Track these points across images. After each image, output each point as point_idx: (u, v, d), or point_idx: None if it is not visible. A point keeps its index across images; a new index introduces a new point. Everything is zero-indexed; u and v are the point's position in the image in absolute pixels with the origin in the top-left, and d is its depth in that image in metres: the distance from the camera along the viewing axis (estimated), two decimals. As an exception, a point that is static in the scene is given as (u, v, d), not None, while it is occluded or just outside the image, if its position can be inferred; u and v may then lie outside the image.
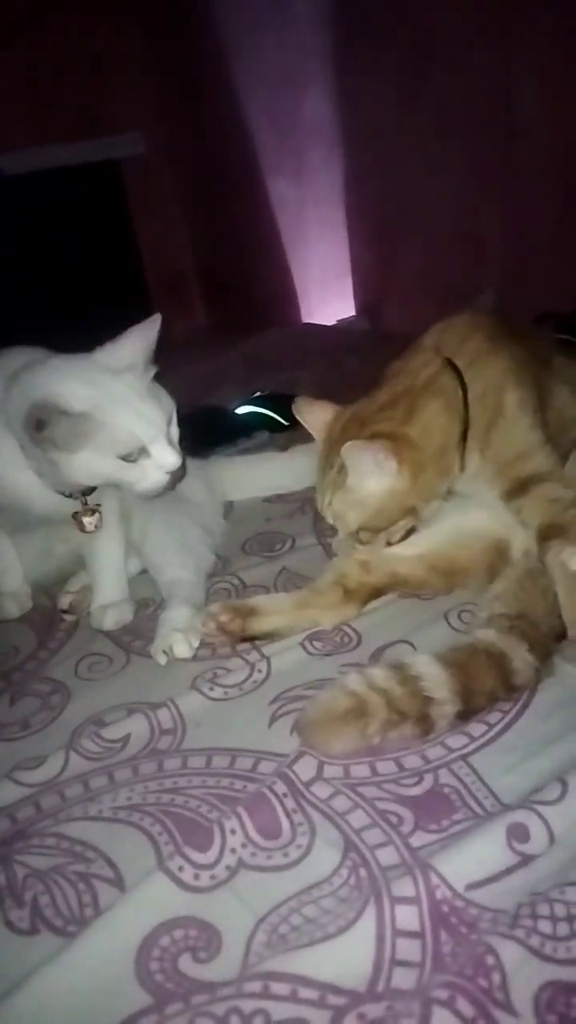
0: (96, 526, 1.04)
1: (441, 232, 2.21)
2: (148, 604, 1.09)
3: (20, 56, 2.64)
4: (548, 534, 0.86)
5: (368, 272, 2.56)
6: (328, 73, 2.41)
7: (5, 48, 2.61)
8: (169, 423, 0.97)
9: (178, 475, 0.96)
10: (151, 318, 0.98)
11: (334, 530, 1.17)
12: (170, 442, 0.96)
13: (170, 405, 0.98)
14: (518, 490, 0.89)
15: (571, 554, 0.81)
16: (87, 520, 1.04)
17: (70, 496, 1.01)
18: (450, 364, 0.95)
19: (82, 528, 1.04)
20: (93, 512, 1.04)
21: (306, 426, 1.01)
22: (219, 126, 2.77)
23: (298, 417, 1.01)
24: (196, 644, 0.95)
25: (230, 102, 2.68)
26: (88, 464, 0.92)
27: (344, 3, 2.28)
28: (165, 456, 0.94)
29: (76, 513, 1.03)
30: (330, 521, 0.97)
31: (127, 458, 0.93)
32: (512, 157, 2.01)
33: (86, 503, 1.03)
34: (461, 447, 0.92)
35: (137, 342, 0.96)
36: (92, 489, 1.02)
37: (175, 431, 0.98)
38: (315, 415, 1.00)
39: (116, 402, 0.91)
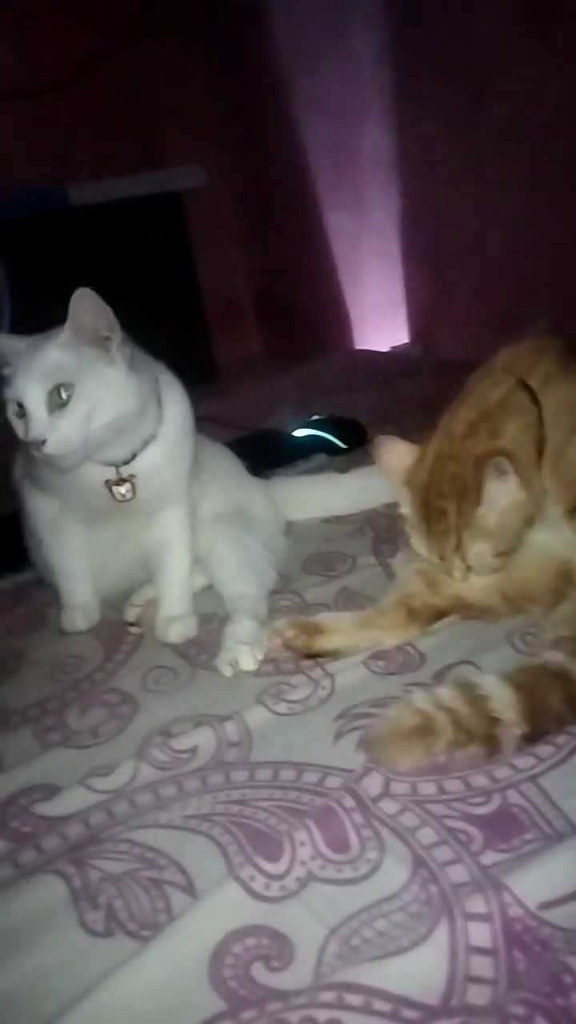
0: (127, 496, 1.03)
1: (495, 261, 2.23)
2: (211, 619, 1.11)
3: (88, 90, 2.76)
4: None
5: (422, 300, 2.58)
6: (386, 105, 2.46)
7: (74, 83, 2.72)
8: (60, 399, 0.92)
9: (48, 452, 0.93)
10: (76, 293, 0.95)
11: (393, 551, 1.19)
12: (40, 414, 0.92)
13: (61, 378, 0.93)
14: None
15: None
16: (118, 489, 1.04)
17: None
18: (523, 385, 0.95)
19: (113, 497, 1.04)
20: (125, 481, 1.03)
21: (381, 466, 1.00)
22: (278, 158, 2.84)
23: (375, 457, 1.00)
24: (260, 657, 0.97)
25: (289, 134, 2.75)
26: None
27: (402, 36, 2.33)
28: (29, 421, 0.93)
29: (108, 481, 1.03)
30: (459, 564, 0.93)
31: (15, 408, 0.94)
32: (569, 186, 2.02)
33: (119, 472, 1.03)
34: (537, 464, 0.93)
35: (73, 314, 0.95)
36: (130, 460, 1.03)
37: (66, 416, 0.93)
38: (394, 455, 0.99)
39: (21, 358, 0.94)
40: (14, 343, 0.99)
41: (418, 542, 0.98)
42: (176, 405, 1.08)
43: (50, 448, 0.93)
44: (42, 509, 1.14)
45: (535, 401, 0.92)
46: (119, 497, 1.04)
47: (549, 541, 0.96)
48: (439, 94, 2.24)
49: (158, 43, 2.84)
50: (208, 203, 2.99)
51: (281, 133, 2.76)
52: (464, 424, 0.94)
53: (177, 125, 2.93)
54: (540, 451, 0.91)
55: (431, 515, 0.94)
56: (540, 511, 0.93)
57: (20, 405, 0.94)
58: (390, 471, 0.98)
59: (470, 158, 2.22)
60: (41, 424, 0.93)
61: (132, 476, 1.04)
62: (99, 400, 0.95)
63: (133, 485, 1.04)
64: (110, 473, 1.03)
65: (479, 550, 0.92)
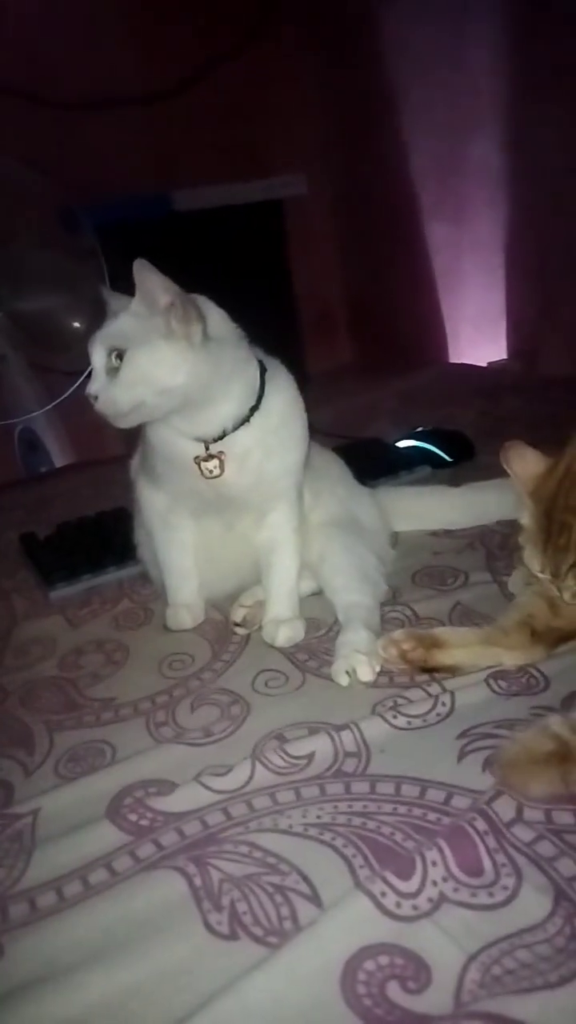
0: (214, 472, 1.04)
1: (608, 279, 2.17)
2: (319, 626, 1.10)
3: (197, 98, 2.80)
4: None
5: (524, 316, 2.53)
6: (498, 117, 2.43)
7: (185, 91, 2.77)
8: (115, 363, 0.97)
9: (102, 408, 0.98)
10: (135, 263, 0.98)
11: (509, 569, 1.15)
12: (99, 369, 0.98)
13: (116, 343, 0.97)
14: None
15: None
16: (206, 465, 1.04)
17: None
18: None
19: (202, 473, 1.04)
20: (213, 458, 1.04)
21: (511, 473, 0.96)
22: (380, 168, 2.83)
23: (504, 463, 0.96)
24: (378, 669, 0.95)
25: (393, 145, 2.74)
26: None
27: (521, 52, 2.30)
28: (92, 377, 0.99)
29: (197, 457, 1.04)
30: (572, 584, 0.90)
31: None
32: None
33: (208, 448, 1.04)
34: None
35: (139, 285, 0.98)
36: (222, 436, 1.04)
37: (118, 380, 0.97)
38: (524, 463, 0.95)
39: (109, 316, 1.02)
40: (119, 302, 1.03)
41: (532, 555, 0.94)
42: (279, 396, 1.08)
43: (100, 405, 0.98)
44: (154, 502, 1.15)
45: None
46: (206, 473, 1.04)
47: None
48: (556, 108, 2.19)
49: (268, 53, 2.87)
50: (308, 211, 3.00)
51: (386, 143, 2.75)
52: None
53: (282, 133, 2.95)
54: None
55: (553, 528, 0.91)
56: None
57: None
58: (517, 478, 0.95)
59: (585, 172, 2.17)
60: (98, 382, 0.98)
61: (221, 453, 1.04)
62: (147, 370, 0.97)
63: (221, 462, 1.04)
64: (199, 449, 1.04)
65: None
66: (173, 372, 0.97)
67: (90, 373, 0.99)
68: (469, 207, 2.60)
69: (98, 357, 0.98)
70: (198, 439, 1.04)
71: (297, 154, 3.00)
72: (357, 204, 2.99)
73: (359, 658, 0.95)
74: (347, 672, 0.95)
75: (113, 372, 0.97)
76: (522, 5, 2.25)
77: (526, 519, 0.96)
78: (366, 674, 0.94)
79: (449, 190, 2.64)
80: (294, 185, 2.95)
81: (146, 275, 0.96)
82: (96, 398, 0.98)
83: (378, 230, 2.93)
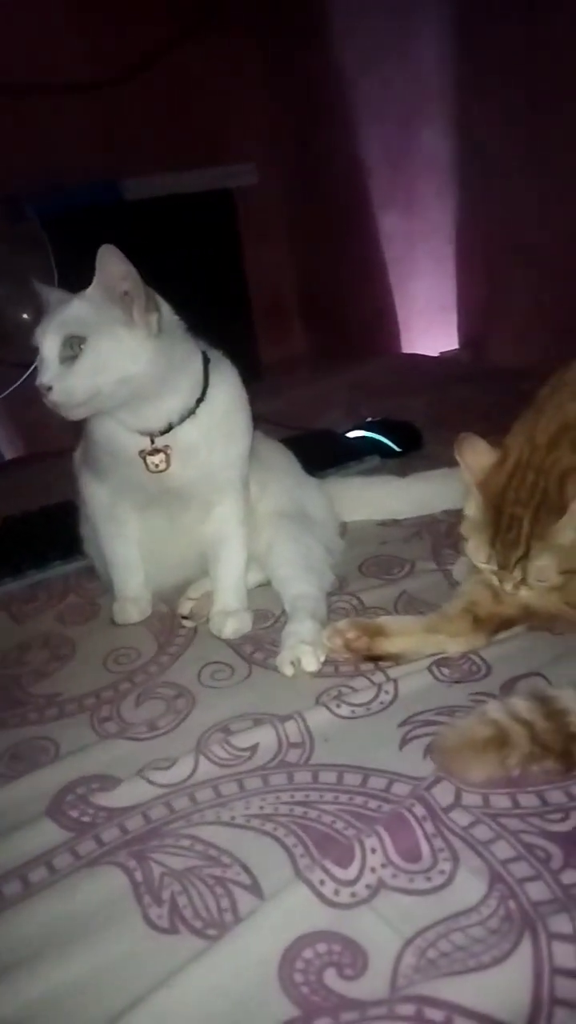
0: (160, 467, 1.03)
1: (556, 270, 2.20)
2: (267, 617, 1.10)
3: (146, 85, 2.76)
4: None
5: (474, 306, 2.56)
6: (447, 108, 2.44)
7: (136, 78, 2.73)
8: (70, 351, 0.94)
9: (55, 400, 0.95)
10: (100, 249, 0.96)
11: (454, 558, 1.16)
12: (50, 360, 0.94)
13: (73, 330, 0.94)
14: None
15: None
16: (151, 459, 1.03)
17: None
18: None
19: (147, 467, 1.03)
20: (159, 452, 1.03)
21: (462, 464, 0.96)
22: (331, 158, 2.83)
23: (457, 454, 0.96)
24: (323, 659, 0.95)
25: (344, 134, 2.74)
26: None
27: (469, 43, 2.31)
28: (42, 367, 0.95)
29: (142, 451, 1.03)
30: (517, 576, 0.90)
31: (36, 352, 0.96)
32: None
33: (153, 442, 1.03)
34: None
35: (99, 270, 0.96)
36: (166, 431, 1.03)
37: (75, 369, 0.94)
38: (477, 456, 0.95)
39: (51, 305, 0.99)
40: (58, 295, 1.00)
41: (478, 547, 0.94)
42: (223, 388, 1.07)
43: (54, 396, 0.95)
44: (98, 496, 1.13)
45: None
46: (152, 467, 1.03)
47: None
48: (503, 100, 2.22)
49: (218, 40, 2.84)
50: (260, 201, 2.99)
51: (337, 133, 2.75)
52: (546, 435, 0.91)
53: (233, 122, 2.93)
54: None
55: (502, 521, 0.91)
56: None
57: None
58: (468, 469, 0.96)
59: (530, 162, 2.19)
60: (51, 371, 0.94)
61: (167, 447, 1.03)
62: (108, 358, 0.95)
63: (167, 456, 1.03)
64: (144, 443, 1.03)
65: (544, 564, 0.89)
66: (134, 360, 0.96)
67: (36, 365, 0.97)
68: (419, 197, 2.61)
69: (50, 346, 0.94)
70: (144, 432, 1.03)
71: (248, 143, 2.98)
72: (309, 193, 2.99)
73: (304, 648, 0.95)
74: (292, 663, 0.95)
75: (68, 361, 0.94)
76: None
77: (472, 510, 0.96)
78: (311, 664, 0.94)
79: (400, 180, 2.65)
80: (245, 174, 2.93)
81: (111, 261, 0.94)
82: (50, 388, 0.94)
83: (330, 220, 2.93)
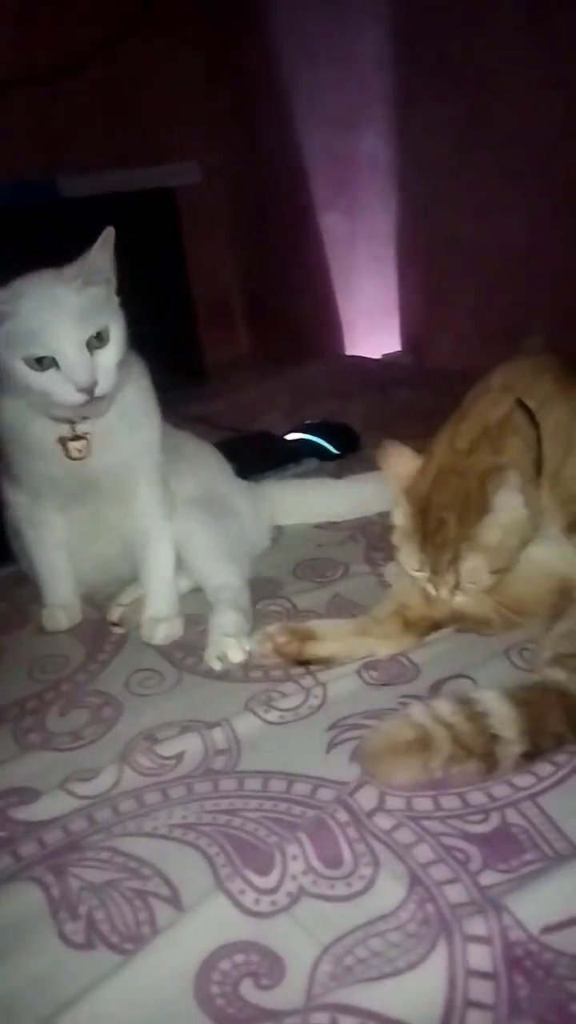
0: (83, 453, 1.00)
1: (493, 274, 2.23)
2: (198, 622, 1.09)
3: (85, 82, 2.72)
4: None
5: (416, 309, 2.58)
6: (387, 111, 2.46)
7: (73, 75, 2.69)
8: (100, 341, 0.93)
9: (98, 398, 0.94)
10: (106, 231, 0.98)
11: (387, 560, 1.17)
12: (82, 358, 0.91)
13: (101, 320, 0.93)
14: None
15: None
16: (73, 445, 1.00)
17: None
18: (521, 404, 0.94)
19: (67, 454, 1.00)
20: (79, 438, 1.00)
21: (386, 471, 0.96)
22: (275, 158, 2.82)
23: (380, 461, 0.96)
24: (248, 648, 0.95)
25: (287, 135, 2.74)
26: (5, 365, 0.92)
27: (408, 47, 2.33)
28: (74, 370, 0.90)
29: (62, 437, 1.00)
30: (450, 580, 0.90)
31: (34, 363, 0.91)
32: (569, 199, 2.02)
33: (74, 429, 1.00)
34: (536, 484, 0.92)
35: (95, 253, 0.96)
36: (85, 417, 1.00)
37: (107, 354, 0.94)
38: (400, 463, 0.95)
39: (35, 306, 0.90)
40: (33, 283, 0.94)
41: (409, 554, 0.94)
42: (136, 379, 1.06)
43: (102, 389, 0.93)
44: (18, 501, 1.11)
45: (533, 421, 0.91)
46: (75, 454, 1.00)
47: (548, 557, 0.94)
48: (442, 104, 2.24)
49: (157, 38, 2.82)
50: (202, 201, 2.97)
51: (279, 134, 2.75)
52: (467, 440, 0.92)
53: (174, 121, 2.90)
54: (538, 470, 0.90)
55: (429, 526, 0.91)
56: (537, 529, 0.92)
57: (40, 360, 0.90)
58: (393, 477, 0.96)
59: (471, 169, 2.22)
60: (89, 368, 0.91)
61: (87, 433, 1.00)
62: (120, 339, 0.96)
63: (88, 443, 1.01)
64: (64, 430, 1.00)
65: (475, 565, 0.89)
66: (125, 339, 0.97)
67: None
68: (361, 199, 2.62)
69: (77, 343, 0.90)
70: (67, 419, 0.99)
71: (190, 142, 2.95)
72: (252, 193, 2.98)
73: (228, 641, 0.95)
74: (218, 657, 0.94)
75: (96, 351, 0.93)
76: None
77: (400, 518, 0.96)
78: (236, 656, 0.94)
79: (342, 182, 2.66)
80: (187, 173, 2.91)
81: (111, 245, 0.96)
82: (94, 385, 0.92)
83: (273, 220, 2.92)
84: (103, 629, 1.10)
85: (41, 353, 0.90)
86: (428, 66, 2.27)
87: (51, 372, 0.91)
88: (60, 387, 0.92)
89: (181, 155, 2.91)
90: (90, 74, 2.73)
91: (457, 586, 0.89)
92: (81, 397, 0.92)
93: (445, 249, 2.38)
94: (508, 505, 0.86)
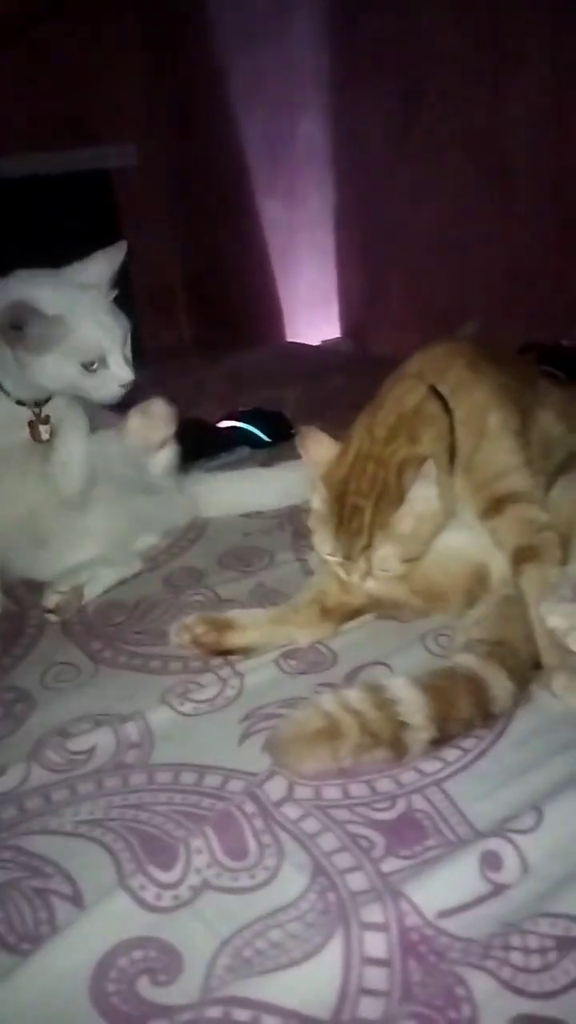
0: (46, 437, 1.12)
1: (430, 260, 2.24)
2: (121, 609, 1.07)
3: (18, 60, 2.65)
4: (521, 557, 0.86)
5: (355, 295, 2.58)
6: (324, 99, 2.44)
7: (2, 50, 2.61)
8: (125, 342, 1.07)
9: (129, 389, 1.08)
10: (118, 244, 1.13)
11: (310, 547, 1.16)
12: (126, 358, 1.06)
13: (127, 324, 1.08)
14: (493, 509, 0.89)
15: (548, 611, 0.78)
16: (42, 428, 1.11)
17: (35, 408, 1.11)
18: (434, 391, 0.94)
19: (37, 437, 1.10)
20: (46, 421, 1.11)
21: (305, 457, 0.96)
22: (213, 144, 2.79)
23: (300, 447, 0.96)
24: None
25: (225, 121, 2.71)
26: (54, 367, 1.03)
27: (343, 31, 2.31)
28: (121, 369, 1.06)
29: (32, 422, 1.10)
30: (363, 566, 0.90)
31: (88, 366, 1.04)
32: (501, 189, 2.04)
33: (39, 413, 1.10)
34: (450, 471, 0.92)
35: (103, 263, 1.10)
36: (46, 400, 1.11)
37: (129, 350, 1.08)
38: (319, 449, 0.95)
39: (83, 312, 1.03)
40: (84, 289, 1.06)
41: (323, 539, 0.93)
42: None
43: (134, 382, 1.08)
44: None
45: (447, 408, 0.91)
46: (43, 437, 1.11)
47: (463, 544, 0.95)
48: (376, 91, 2.23)
49: (91, 17, 2.75)
50: (141, 185, 2.92)
51: (217, 119, 2.71)
52: (384, 427, 0.91)
53: (111, 103, 2.85)
54: (452, 457, 0.91)
55: (345, 512, 0.91)
56: (450, 516, 0.92)
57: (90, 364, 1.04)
58: (311, 462, 0.95)
59: (405, 157, 2.22)
60: (131, 368, 1.07)
61: (47, 416, 1.11)
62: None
63: (52, 427, 1.11)
64: (28, 414, 1.11)
65: (387, 553, 0.89)
66: None
67: None
68: (300, 186, 2.61)
69: (125, 347, 1.06)
70: (29, 403, 1.10)
71: (127, 125, 2.90)
72: (191, 179, 2.94)
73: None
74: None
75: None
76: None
77: (317, 503, 0.96)
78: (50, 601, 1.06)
79: (281, 168, 2.64)
80: (123, 156, 2.86)
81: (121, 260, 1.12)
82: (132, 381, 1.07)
83: (213, 206, 2.89)
84: (20, 623, 1.08)
85: (96, 360, 1.04)
86: (362, 53, 2.26)
87: (101, 372, 1.05)
88: (107, 385, 1.06)
89: (118, 139, 2.86)
90: (23, 51, 2.65)
91: (368, 572, 0.89)
92: (122, 391, 1.07)
93: (382, 235, 2.38)
94: (423, 496, 0.86)
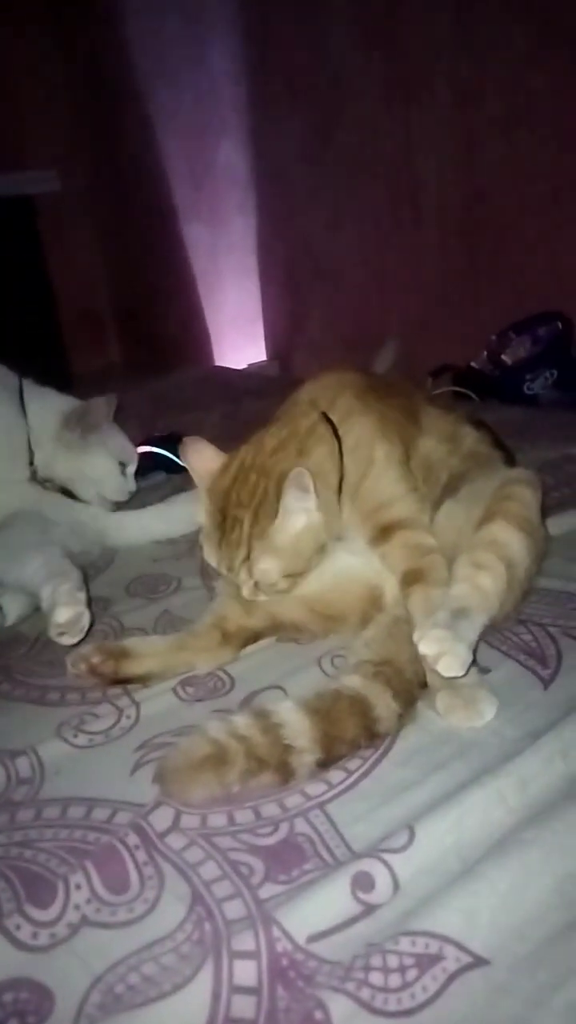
0: None
1: (348, 284, 2.28)
2: (20, 642, 1.06)
3: None
4: (409, 579, 0.88)
5: (278, 318, 2.61)
6: (242, 123, 2.48)
7: None
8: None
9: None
10: (109, 396, 1.41)
11: (219, 574, 1.17)
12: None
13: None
14: (381, 536, 0.91)
15: (419, 637, 0.79)
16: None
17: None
18: (325, 417, 0.97)
19: None
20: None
21: (190, 469, 0.98)
22: (135, 168, 2.80)
23: (183, 458, 0.98)
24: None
25: (147, 145, 2.72)
26: (102, 460, 1.34)
27: (258, 61, 2.36)
28: (132, 479, 1.40)
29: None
30: (246, 579, 0.92)
31: (122, 468, 1.36)
32: (413, 212, 2.10)
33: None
34: (336, 493, 0.94)
35: (107, 407, 1.40)
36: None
37: None
38: (202, 459, 0.97)
39: (115, 433, 1.40)
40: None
41: (210, 551, 0.95)
42: None
43: None
44: None
45: (336, 435, 0.93)
46: None
47: (358, 565, 0.97)
48: (291, 117, 2.28)
49: (8, 44, 2.75)
50: (64, 209, 2.92)
51: (138, 143, 2.73)
52: (275, 440, 0.94)
53: (31, 127, 2.84)
54: (340, 481, 0.93)
55: (226, 524, 0.92)
56: (333, 537, 0.94)
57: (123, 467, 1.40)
58: (196, 474, 0.97)
59: (321, 181, 2.27)
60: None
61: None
62: None
63: None
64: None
65: (267, 566, 0.91)
66: None
67: None
68: (222, 209, 2.64)
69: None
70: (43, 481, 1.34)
71: (48, 151, 2.89)
72: (114, 203, 2.95)
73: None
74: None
75: None
76: (254, 6, 2.30)
77: (202, 515, 0.97)
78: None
79: (202, 192, 2.67)
80: (45, 181, 2.85)
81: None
82: None
83: (138, 230, 2.90)
84: None
85: (128, 460, 1.43)
86: (278, 78, 2.30)
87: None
88: (124, 487, 1.41)
89: (40, 163, 2.85)
90: None
91: (257, 586, 0.90)
92: (127, 497, 1.42)
93: (302, 259, 2.42)
94: (299, 508, 0.88)
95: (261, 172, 2.47)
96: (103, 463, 1.33)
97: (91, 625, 1.01)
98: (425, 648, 0.76)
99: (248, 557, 0.89)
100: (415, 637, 0.79)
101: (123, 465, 1.38)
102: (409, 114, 1.99)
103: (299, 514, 0.88)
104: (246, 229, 2.59)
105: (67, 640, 0.98)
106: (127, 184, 2.85)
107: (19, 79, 2.80)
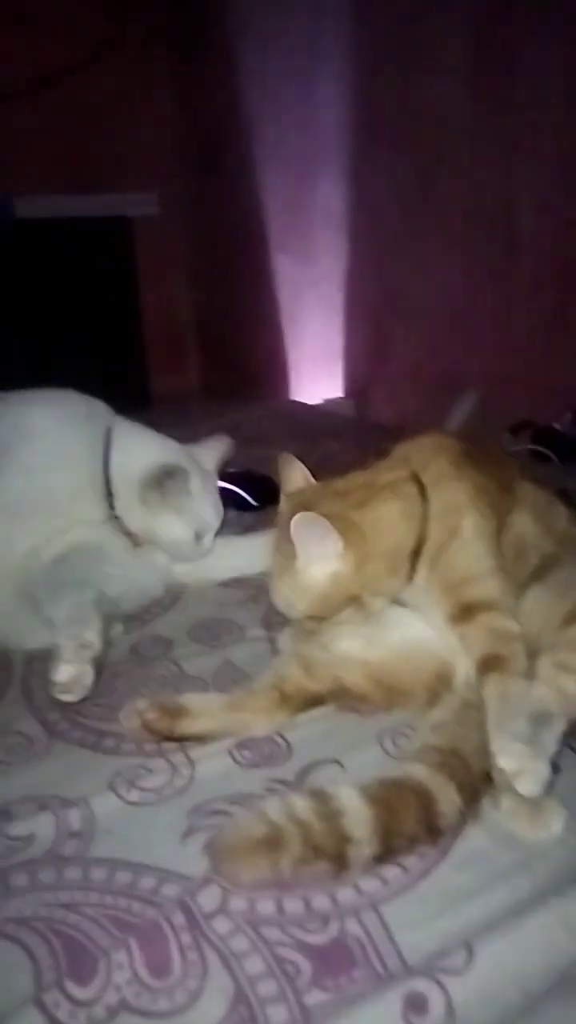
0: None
1: (433, 328, 2.26)
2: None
3: (49, 104, 2.71)
4: (487, 666, 0.84)
5: (359, 357, 2.60)
6: (343, 163, 2.49)
7: (37, 94, 2.68)
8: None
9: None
10: (223, 438, 1.41)
11: (284, 622, 1.15)
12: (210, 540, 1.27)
13: (223, 515, 1.29)
14: (463, 615, 0.88)
15: (499, 749, 0.75)
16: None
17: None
18: (415, 477, 0.94)
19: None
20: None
21: (281, 483, 1.01)
22: (232, 197, 2.84)
23: (279, 471, 1.01)
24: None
25: (246, 176, 2.76)
26: (180, 526, 1.24)
27: (365, 101, 2.37)
28: (208, 547, 1.27)
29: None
30: (280, 606, 0.95)
31: (198, 536, 1.25)
32: (508, 264, 2.06)
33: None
34: (414, 558, 0.91)
35: (215, 452, 1.36)
36: None
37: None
38: (292, 479, 1.00)
39: (205, 491, 1.27)
40: None
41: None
42: None
43: None
44: None
45: (424, 497, 0.91)
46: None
47: (430, 638, 0.94)
48: (391, 160, 2.27)
49: (126, 67, 2.83)
50: (159, 233, 2.97)
51: (238, 174, 2.77)
52: (345, 485, 0.93)
53: (135, 152, 2.91)
54: (419, 546, 0.90)
55: (276, 546, 0.95)
56: (383, 597, 0.93)
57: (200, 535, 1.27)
58: (283, 492, 1.00)
59: (416, 226, 2.25)
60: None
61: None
62: None
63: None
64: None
65: (287, 597, 0.93)
66: None
67: None
68: (313, 244, 2.65)
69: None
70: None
71: (150, 174, 2.96)
72: (208, 230, 2.99)
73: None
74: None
75: None
76: (366, 50, 2.32)
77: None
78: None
79: (295, 225, 2.68)
80: (145, 204, 2.92)
81: None
82: None
83: (228, 258, 2.94)
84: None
85: (204, 530, 1.28)
86: (380, 123, 2.31)
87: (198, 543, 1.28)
88: (194, 554, 1.28)
89: (141, 187, 2.92)
90: (54, 96, 2.72)
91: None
92: (199, 559, 1.31)
93: (389, 301, 2.40)
94: (316, 553, 0.88)
95: (356, 211, 2.47)
96: (178, 530, 1.23)
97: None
98: (504, 763, 0.72)
99: (277, 586, 0.92)
100: (492, 748, 0.75)
101: (199, 535, 1.26)
102: (512, 166, 1.96)
103: (317, 560, 0.88)
104: (334, 266, 2.59)
105: (68, 698, 0.98)
106: (223, 212, 2.90)
107: (130, 103, 2.88)
